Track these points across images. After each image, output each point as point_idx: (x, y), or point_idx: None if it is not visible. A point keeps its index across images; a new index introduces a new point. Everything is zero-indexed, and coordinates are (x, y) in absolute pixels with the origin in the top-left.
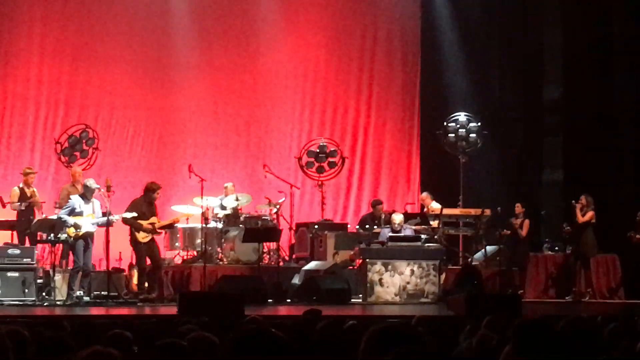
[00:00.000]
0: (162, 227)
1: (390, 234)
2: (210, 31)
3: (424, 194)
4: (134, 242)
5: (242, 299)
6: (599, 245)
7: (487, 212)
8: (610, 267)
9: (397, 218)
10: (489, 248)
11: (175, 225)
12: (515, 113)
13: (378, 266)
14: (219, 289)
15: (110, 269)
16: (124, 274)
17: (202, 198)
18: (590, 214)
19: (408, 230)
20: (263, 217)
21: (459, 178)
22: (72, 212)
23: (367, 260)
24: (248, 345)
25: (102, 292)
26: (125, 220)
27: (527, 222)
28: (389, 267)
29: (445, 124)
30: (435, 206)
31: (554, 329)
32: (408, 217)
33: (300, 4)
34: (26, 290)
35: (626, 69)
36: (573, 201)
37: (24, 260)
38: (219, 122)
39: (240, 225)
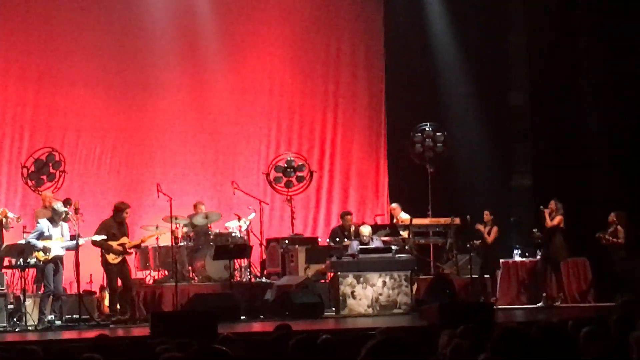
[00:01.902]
0: (132, 247)
1: (361, 247)
2: (175, 50)
3: (393, 205)
4: (105, 263)
5: (214, 317)
6: (569, 249)
7: (457, 220)
8: (581, 271)
9: (366, 230)
10: (460, 256)
11: (143, 245)
12: (482, 120)
13: (350, 279)
14: (191, 307)
15: (81, 292)
16: (96, 296)
17: (171, 217)
18: (558, 218)
19: (377, 242)
20: (233, 234)
21: (428, 188)
22: (41, 236)
23: (339, 273)
24: None
25: (74, 316)
26: (94, 243)
27: (495, 228)
28: (361, 279)
29: (411, 134)
30: (404, 217)
31: (529, 336)
32: (377, 228)
33: (264, 19)
34: None
35: (592, 73)
36: (541, 207)
37: None
38: (186, 140)
39: (211, 243)
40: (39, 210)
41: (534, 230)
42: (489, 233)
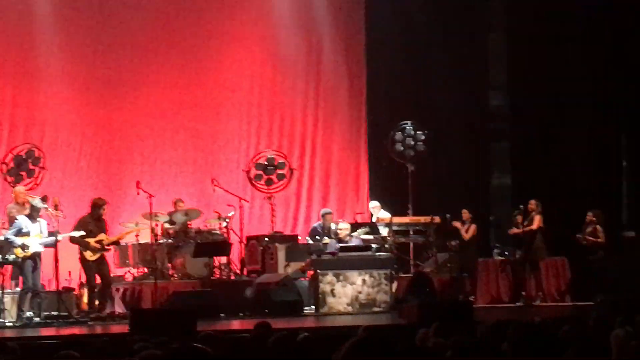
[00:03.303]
0: (110, 244)
1: (341, 245)
2: (155, 47)
3: (373, 203)
4: (83, 260)
5: (194, 314)
6: (548, 249)
7: (437, 219)
8: (560, 270)
9: (343, 226)
10: (440, 255)
11: (123, 241)
12: (461, 119)
13: (329, 277)
14: (170, 305)
15: (60, 289)
16: (74, 293)
17: (150, 214)
18: (538, 218)
19: (356, 240)
20: (213, 232)
21: (408, 186)
22: (19, 233)
23: (319, 271)
24: None
25: (53, 312)
26: (72, 239)
27: (473, 227)
28: (341, 277)
29: (392, 133)
30: (384, 215)
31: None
32: (357, 226)
33: (245, 18)
34: None
35: (571, 73)
36: (515, 211)
37: None
38: (166, 137)
39: (190, 241)
40: (11, 206)
41: (511, 229)
42: (466, 231)
